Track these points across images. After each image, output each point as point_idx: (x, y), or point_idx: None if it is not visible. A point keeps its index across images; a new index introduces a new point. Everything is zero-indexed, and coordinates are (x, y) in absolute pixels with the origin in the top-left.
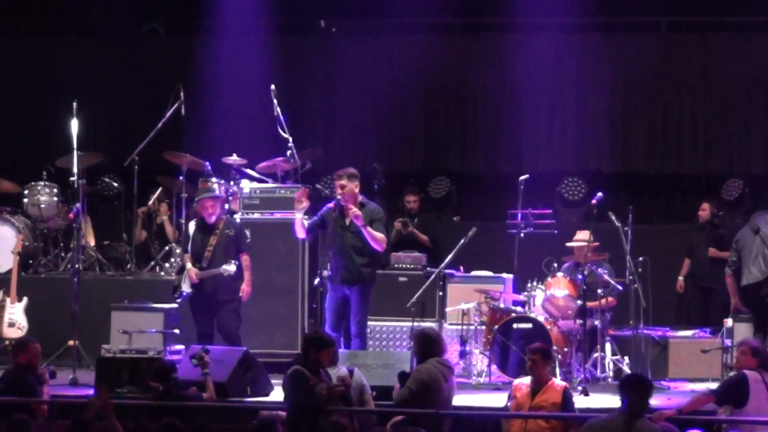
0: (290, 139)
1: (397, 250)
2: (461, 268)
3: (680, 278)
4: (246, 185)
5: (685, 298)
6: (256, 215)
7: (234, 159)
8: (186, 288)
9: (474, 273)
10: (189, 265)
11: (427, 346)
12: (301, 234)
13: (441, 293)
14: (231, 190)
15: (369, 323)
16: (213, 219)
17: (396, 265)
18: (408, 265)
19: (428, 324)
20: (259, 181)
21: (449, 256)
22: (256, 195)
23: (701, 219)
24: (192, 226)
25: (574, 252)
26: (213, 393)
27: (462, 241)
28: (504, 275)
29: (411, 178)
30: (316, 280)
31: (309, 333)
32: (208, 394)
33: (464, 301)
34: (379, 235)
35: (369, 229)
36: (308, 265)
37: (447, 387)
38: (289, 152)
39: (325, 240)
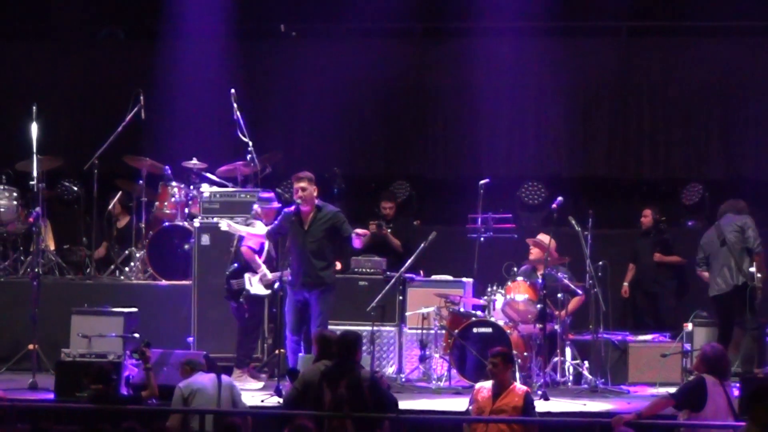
0: (250, 143)
1: (370, 252)
2: (421, 272)
3: (625, 284)
4: (206, 189)
5: (635, 303)
6: (216, 219)
7: (194, 163)
8: (257, 291)
9: (434, 277)
10: (264, 268)
11: (324, 347)
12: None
13: (401, 297)
14: (191, 195)
15: (329, 327)
16: None
17: (356, 270)
18: (368, 270)
19: (346, 328)
20: (219, 185)
21: (409, 260)
22: (216, 199)
23: (644, 225)
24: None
25: (529, 254)
26: (155, 390)
27: (422, 245)
28: (464, 279)
29: (371, 182)
30: (276, 285)
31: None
32: (149, 391)
33: (424, 305)
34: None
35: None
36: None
37: (330, 391)
38: (249, 156)
39: (285, 244)
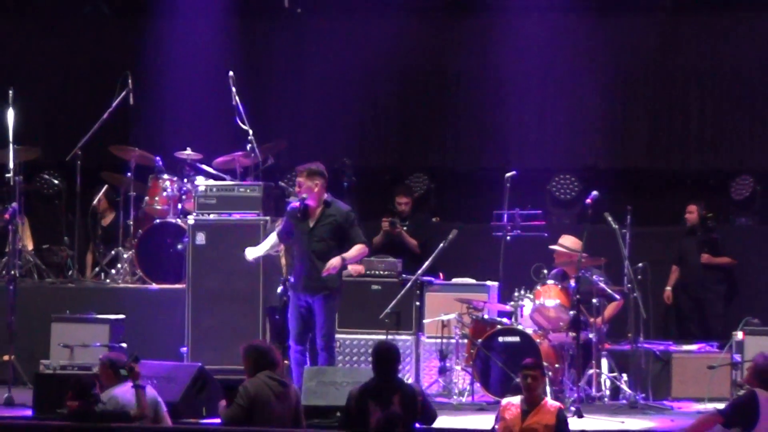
0: (250, 132)
1: (384, 253)
2: (441, 275)
3: (668, 288)
4: (201, 183)
5: (679, 309)
6: (212, 216)
7: (188, 153)
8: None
9: (455, 280)
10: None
11: (259, 359)
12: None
13: (418, 303)
14: (184, 188)
15: (338, 336)
16: None
17: (368, 272)
18: (381, 272)
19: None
20: (216, 178)
21: (427, 262)
22: (213, 194)
23: (689, 223)
24: None
25: (554, 258)
26: (144, 409)
27: (441, 244)
28: (488, 283)
29: (385, 175)
30: (279, 288)
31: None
32: (138, 411)
33: (444, 311)
34: (358, 249)
35: (349, 256)
36: (270, 271)
37: (279, 404)
38: (249, 146)
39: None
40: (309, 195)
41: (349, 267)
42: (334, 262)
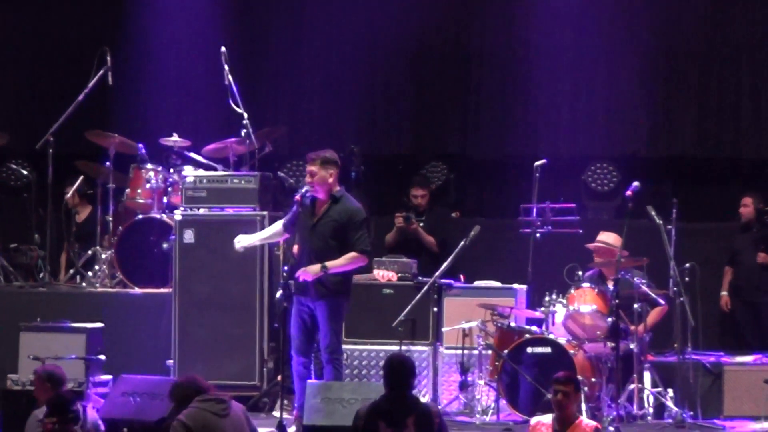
0: (245, 115)
1: (397, 252)
2: (462, 277)
3: (724, 293)
4: (189, 173)
5: (732, 316)
6: (202, 211)
7: (174, 140)
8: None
9: (477, 283)
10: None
11: (185, 393)
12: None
13: (436, 309)
14: (170, 179)
15: (345, 347)
16: None
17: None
18: (394, 273)
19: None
20: (207, 167)
21: (446, 262)
22: (203, 185)
23: (744, 217)
24: None
25: (593, 257)
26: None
27: (462, 242)
28: (515, 286)
29: (398, 164)
30: (279, 293)
31: None
32: None
33: (465, 318)
34: (348, 258)
35: (335, 264)
36: (268, 273)
37: (229, 422)
38: (243, 131)
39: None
40: (321, 187)
41: (376, 273)
42: (311, 269)
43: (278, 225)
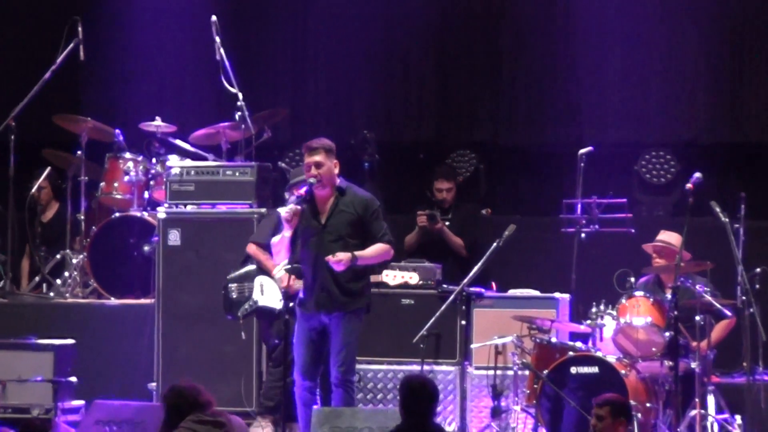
0: (240, 96)
1: (418, 255)
2: (494, 284)
3: None
4: (175, 164)
5: None
6: (189, 208)
7: (157, 125)
8: (267, 302)
9: (512, 292)
10: (280, 269)
11: (180, 404)
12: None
13: (464, 322)
14: (152, 171)
15: (358, 367)
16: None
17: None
18: (415, 281)
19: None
20: (195, 157)
21: (476, 267)
22: (190, 178)
23: None
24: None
25: (652, 259)
26: None
27: (494, 244)
28: (557, 295)
29: (419, 153)
30: (281, 305)
31: None
32: None
33: (498, 333)
34: (378, 249)
35: (364, 254)
36: None
37: None
38: (238, 115)
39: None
40: (325, 179)
41: (387, 274)
42: (343, 257)
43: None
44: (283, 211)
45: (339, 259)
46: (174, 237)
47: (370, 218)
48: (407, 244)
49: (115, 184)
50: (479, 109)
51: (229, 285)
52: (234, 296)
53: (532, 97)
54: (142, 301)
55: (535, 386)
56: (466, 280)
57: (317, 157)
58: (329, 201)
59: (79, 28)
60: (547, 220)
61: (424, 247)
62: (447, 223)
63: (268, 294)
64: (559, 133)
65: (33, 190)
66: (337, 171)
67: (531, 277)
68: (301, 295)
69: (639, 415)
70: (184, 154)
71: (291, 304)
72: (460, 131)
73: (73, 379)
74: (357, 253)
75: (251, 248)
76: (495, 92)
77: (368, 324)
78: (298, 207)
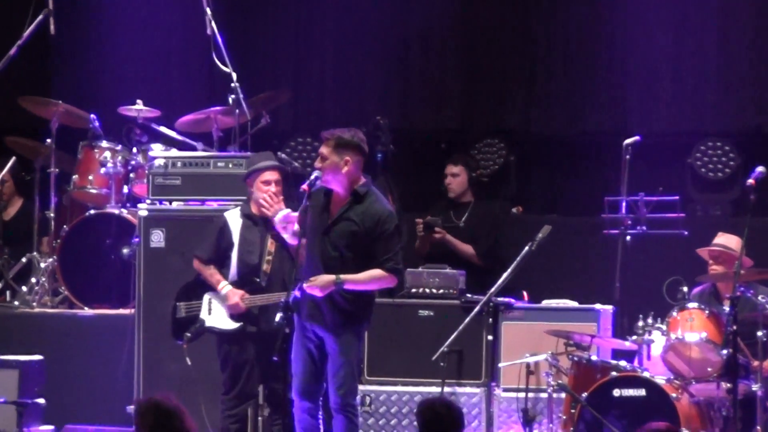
0: (234, 76)
1: (436, 260)
2: (525, 294)
3: None
4: (159, 153)
5: None
6: (175, 205)
7: (139, 109)
8: (214, 323)
9: (546, 303)
10: (226, 284)
11: (159, 421)
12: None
13: (491, 338)
14: (133, 162)
15: (368, 388)
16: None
17: (414, 290)
18: (434, 290)
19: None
20: (182, 146)
21: (504, 274)
22: (176, 170)
23: None
24: (232, 217)
25: (708, 266)
26: None
27: (526, 248)
28: (598, 307)
29: (439, 142)
30: (278, 315)
31: None
32: None
33: (530, 350)
34: (377, 274)
35: (353, 279)
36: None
37: None
38: (232, 97)
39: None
40: (333, 177)
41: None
42: (321, 280)
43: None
44: (277, 219)
45: (315, 284)
46: (157, 238)
47: (377, 236)
48: (417, 252)
49: (90, 177)
50: (510, 92)
51: (178, 303)
52: (182, 316)
53: (571, 79)
54: (121, 311)
55: (573, 411)
56: (493, 289)
57: (322, 149)
58: (342, 204)
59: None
60: (587, 220)
61: (435, 256)
62: (461, 224)
63: (216, 313)
64: (601, 120)
65: None
66: (348, 170)
67: (568, 285)
68: (296, 293)
69: None
70: (169, 142)
71: (278, 318)
72: (488, 117)
73: (41, 400)
74: (344, 276)
75: (195, 263)
76: (528, 73)
77: (379, 338)
78: (292, 214)
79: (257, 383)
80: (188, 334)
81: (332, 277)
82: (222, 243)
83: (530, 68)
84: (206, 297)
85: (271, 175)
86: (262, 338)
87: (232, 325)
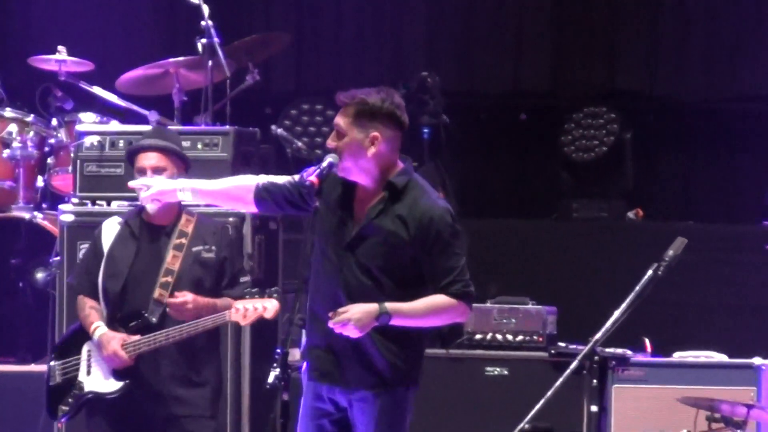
0: (206, 10)
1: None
2: (648, 343)
3: None
4: (91, 127)
5: None
6: (115, 205)
7: (60, 60)
8: (94, 385)
9: (679, 356)
10: (101, 325)
11: None
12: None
13: (596, 408)
14: (51, 141)
15: None
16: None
17: (479, 336)
18: (509, 336)
19: None
20: (126, 116)
21: (617, 312)
22: (116, 152)
23: None
24: (108, 226)
25: None
26: None
27: (649, 272)
28: (758, 362)
29: (517, 111)
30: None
31: None
32: None
33: (657, 426)
34: (443, 304)
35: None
36: (252, 333)
37: None
38: (202, 42)
39: (303, 259)
40: (353, 162)
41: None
42: (358, 311)
43: (248, 180)
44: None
45: (347, 318)
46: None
47: (432, 246)
48: None
49: None
50: (621, 46)
51: (52, 364)
52: (56, 382)
53: (716, 25)
54: (33, 368)
55: None
56: (599, 335)
57: (338, 119)
58: (372, 200)
59: None
60: (738, 229)
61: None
62: None
63: (96, 371)
64: (743, 87)
65: None
66: (376, 150)
67: (713, 329)
68: (303, 340)
69: None
70: (107, 111)
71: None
72: (590, 77)
73: None
74: (391, 306)
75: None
76: (648, 14)
77: (428, 408)
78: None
79: None
80: (64, 408)
81: (374, 306)
82: (93, 264)
83: (651, 7)
84: (85, 349)
85: (147, 160)
86: (158, 404)
87: (113, 386)
